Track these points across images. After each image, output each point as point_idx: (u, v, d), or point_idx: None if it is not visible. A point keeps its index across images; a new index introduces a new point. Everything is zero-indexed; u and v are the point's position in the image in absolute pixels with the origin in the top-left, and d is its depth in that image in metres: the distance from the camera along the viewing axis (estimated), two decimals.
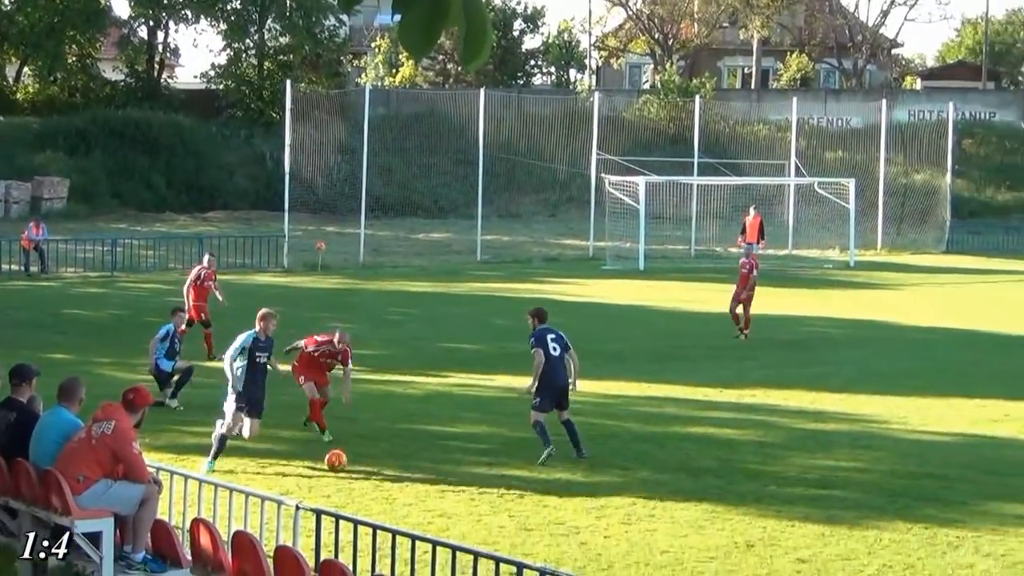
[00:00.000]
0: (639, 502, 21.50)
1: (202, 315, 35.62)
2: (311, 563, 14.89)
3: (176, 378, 28.92)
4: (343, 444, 23.70)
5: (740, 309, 40.49)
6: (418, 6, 5.56)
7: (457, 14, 5.59)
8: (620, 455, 24.80)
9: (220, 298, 36.64)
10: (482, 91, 69.44)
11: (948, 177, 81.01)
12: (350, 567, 14.69)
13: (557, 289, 53.45)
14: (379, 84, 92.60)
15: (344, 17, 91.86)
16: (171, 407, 28.24)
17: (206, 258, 37.87)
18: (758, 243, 61.10)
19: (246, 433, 23.31)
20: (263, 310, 24.07)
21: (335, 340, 25.98)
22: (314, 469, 23.24)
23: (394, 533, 15.99)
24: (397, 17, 5.81)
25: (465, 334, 41.80)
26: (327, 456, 23.08)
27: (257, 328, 23.60)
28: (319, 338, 26.25)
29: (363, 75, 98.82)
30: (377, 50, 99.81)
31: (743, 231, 61.58)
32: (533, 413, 24.61)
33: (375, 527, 16.26)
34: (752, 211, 62.46)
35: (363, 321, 43.91)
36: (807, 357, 37.61)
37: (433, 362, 35.08)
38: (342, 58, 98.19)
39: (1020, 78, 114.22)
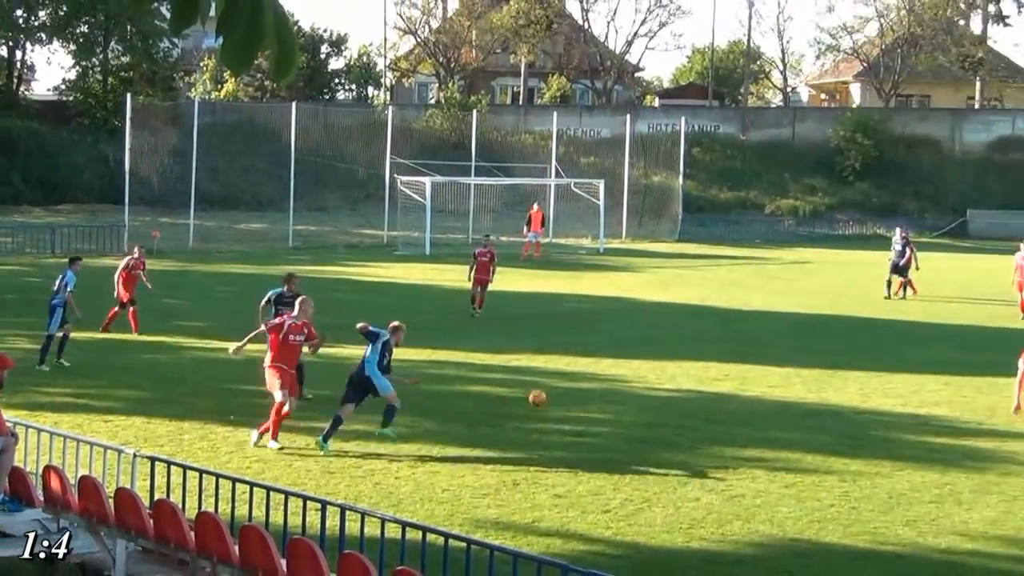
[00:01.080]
0: (425, 448, 21.54)
1: (131, 297, 34.79)
2: (146, 502, 14.68)
3: (60, 341, 28.51)
4: (175, 402, 23.35)
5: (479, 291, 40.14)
6: (237, 31, 5.50)
7: (270, 38, 5.55)
8: (409, 410, 24.74)
9: (149, 286, 35.38)
10: (294, 104, 69.06)
11: (680, 179, 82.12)
12: (180, 505, 14.50)
13: (357, 271, 53.35)
14: (206, 97, 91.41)
15: (176, 40, 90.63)
16: (63, 366, 28.20)
17: (136, 249, 36.53)
18: (539, 231, 62.17)
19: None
20: (394, 323, 22.50)
21: (300, 307, 22.85)
22: (148, 423, 22.95)
23: (217, 476, 15.82)
24: (220, 40, 5.75)
25: None
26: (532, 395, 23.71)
27: (390, 338, 22.07)
28: (284, 319, 22.82)
29: (193, 89, 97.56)
30: (205, 68, 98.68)
31: (528, 222, 62.56)
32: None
33: (201, 471, 16.07)
34: (535, 205, 63.91)
35: (193, 298, 43.46)
36: (565, 328, 37.85)
37: None
38: (175, 75, 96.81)
39: (739, 97, 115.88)
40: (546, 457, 21.19)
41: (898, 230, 50.77)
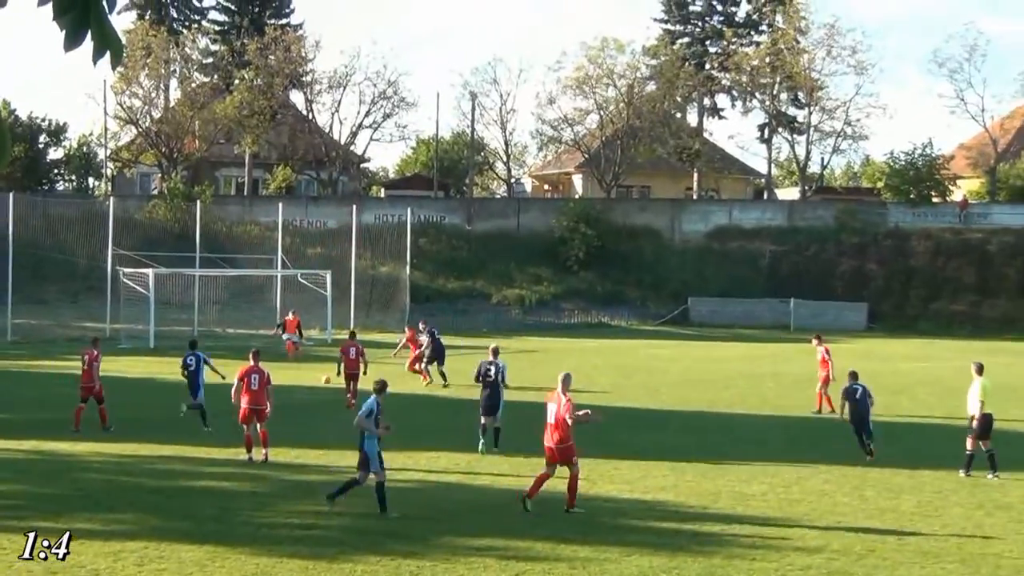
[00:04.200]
0: (151, 546, 21.05)
1: None
2: None
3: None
4: None
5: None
6: None
7: None
8: (134, 506, 24.26)
9: None
10: (11, 195, 67.71)
11: (407, 269, 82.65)
12: None
13: (78, 365, 52.06)
14: None
15: None
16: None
17: None
18: (294, 334, 61.64)
19: None
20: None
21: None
22: None
23: None
24: None
25: None
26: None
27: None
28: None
29: None
30: None
31: (282, 326, 62.56)
32: None
33: None
34: (291, 313, 63.49)
35: None
36: (290, 420, 37.49)
37: None
38: None
39: (464, 188, 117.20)
40: (276, 551, 20.90)
41: (420, 324, 53.39)
